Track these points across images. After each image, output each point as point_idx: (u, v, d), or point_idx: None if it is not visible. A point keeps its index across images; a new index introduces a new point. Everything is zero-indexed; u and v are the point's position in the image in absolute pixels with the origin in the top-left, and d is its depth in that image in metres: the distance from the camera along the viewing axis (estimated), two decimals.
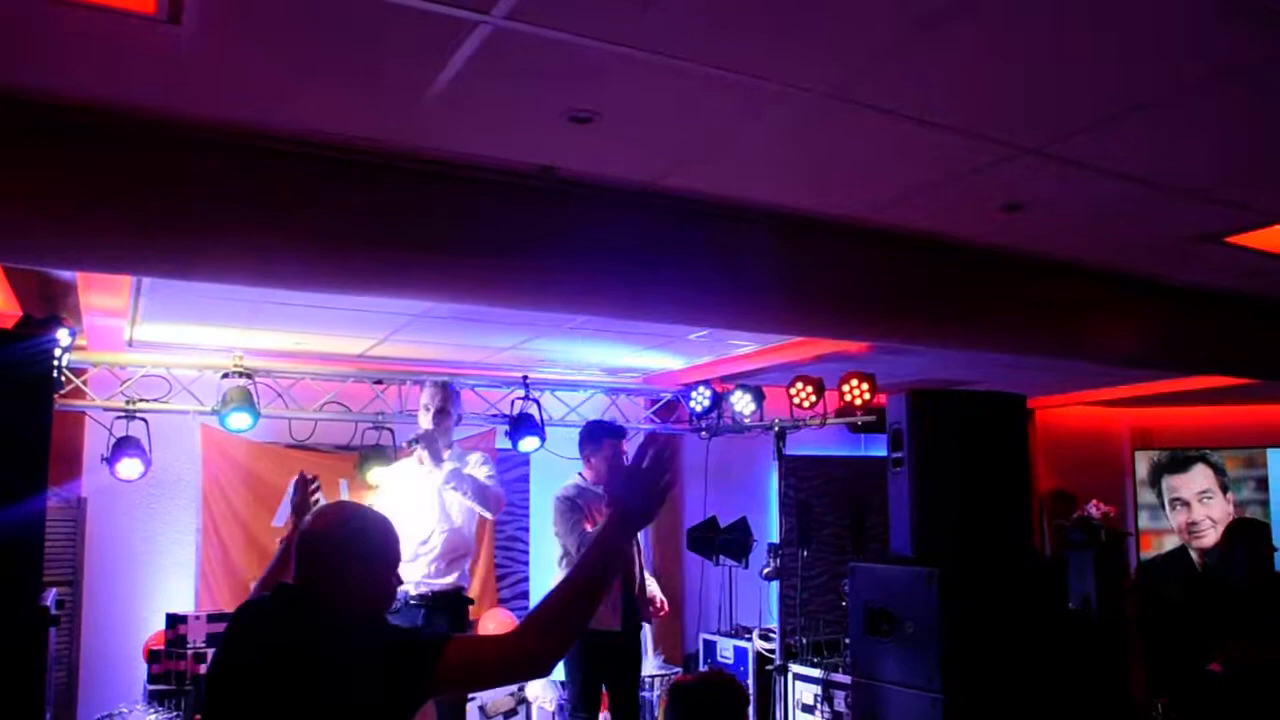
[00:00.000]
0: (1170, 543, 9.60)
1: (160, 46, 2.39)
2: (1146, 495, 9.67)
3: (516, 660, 2.20)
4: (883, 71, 2.61)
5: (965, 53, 2.51)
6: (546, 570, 7.45)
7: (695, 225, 3.66)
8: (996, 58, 2.55)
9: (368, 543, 2.39)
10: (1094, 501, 8.72)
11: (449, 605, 5.11)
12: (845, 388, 6.42)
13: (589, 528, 5.23)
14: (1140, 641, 7.86)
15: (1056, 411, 9.56)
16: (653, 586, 5.93)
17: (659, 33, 2.38)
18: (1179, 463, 9.63)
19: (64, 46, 2.41)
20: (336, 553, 2.34)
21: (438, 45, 2.42)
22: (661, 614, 6.10)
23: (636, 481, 2.22)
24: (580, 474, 5.57)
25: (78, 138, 2.80)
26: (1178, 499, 9.64)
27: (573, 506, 5.30)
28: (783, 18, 2.32)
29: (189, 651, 5.62)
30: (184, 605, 6.11)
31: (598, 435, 5.53)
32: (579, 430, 5.76)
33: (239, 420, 5.88)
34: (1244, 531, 6.34)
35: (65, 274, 4.62)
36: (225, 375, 5.98)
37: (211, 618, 5.78)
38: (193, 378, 6.07)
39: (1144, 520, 9.67)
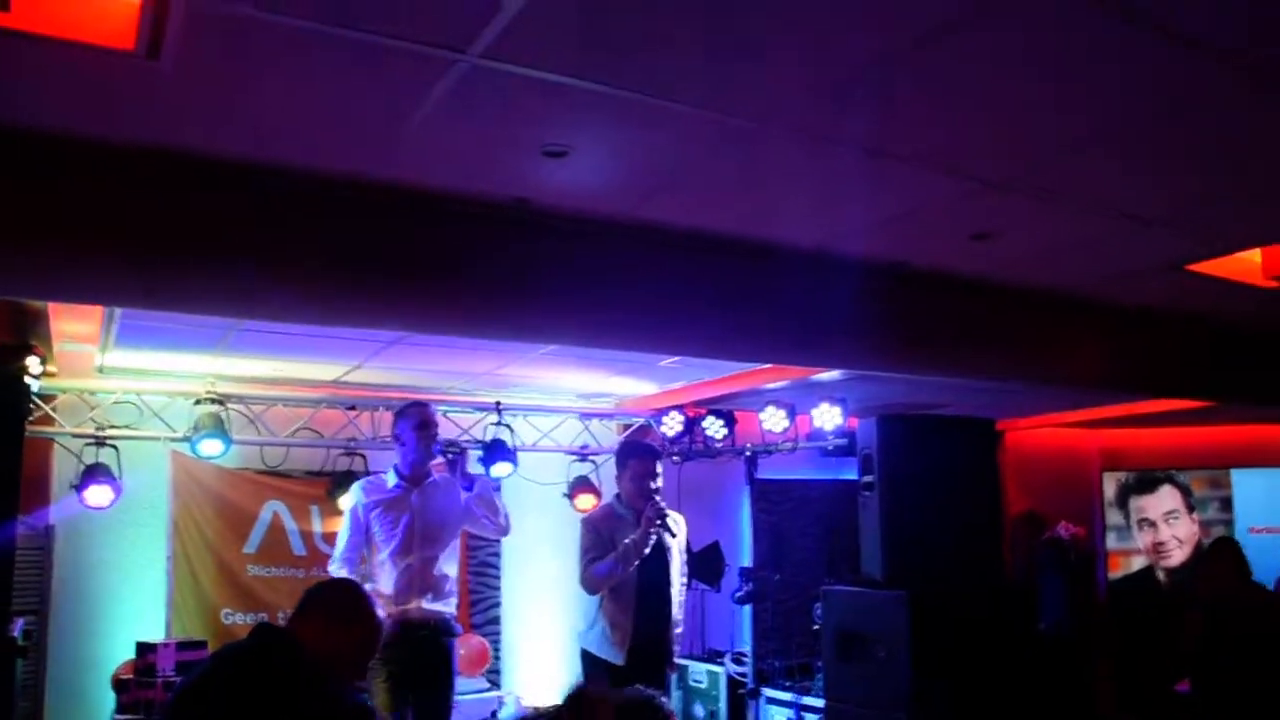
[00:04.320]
0: (1138, 563, 9.70)
1: (140, 81, 2.42)
2: (1114, 516, 9.77)
3: None
4: (849, 106, 2.66)
5: (932, 88, 2.58)
6: (520, 596, 7.45)
7: (665, 255, 3.71)
8: (963, 94, 2.61)
9: (368, 620, 2.81)
10: (1063, 523, 8.82)
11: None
12: (816, 412, 6.48)
13: (598, 561, 5.21)
14: (1109, 661, 7.95)
15: (1026, 433, 9.65)
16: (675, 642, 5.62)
17: (630, 72, 2.43)
18: (1146, 484, 9.74)
19: (45, 81, 2.42)
20: (339, 614, 2.73)
21: (415, 81, 2.46)
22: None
23: None
24: (616, 495, 5.55)
25: (58, 169, 2.82)
26: (1145, 519, 9.74)
27: (594, 532, 5.30)
28: (750, 57, 2.38)
29: (159, 680, 5.57)
30: (154, 634, 6.06)
31: (623, 454, 5.56)
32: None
33: (211, 447, 5.87)
34: (1228, 550, 6.40)
35: (37, 301, 4.60)
36: (197, 401, 5.97)
37: (181, 645, 5.73)
38: (164, 404, 6.05)
39: (1112, 541, 9.76)
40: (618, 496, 5.48)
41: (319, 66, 2.38)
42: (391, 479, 5.09)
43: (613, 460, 5.51)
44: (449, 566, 5.12)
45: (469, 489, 5.14)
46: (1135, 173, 3.24)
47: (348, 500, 5.11)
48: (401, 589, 4.94)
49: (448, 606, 5.10)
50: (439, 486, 5.14)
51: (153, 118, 2.66)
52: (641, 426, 7.75)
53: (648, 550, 5.23)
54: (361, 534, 4.99)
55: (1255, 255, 4.37)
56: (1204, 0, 2.17)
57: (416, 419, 5.08)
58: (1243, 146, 3.04)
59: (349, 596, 2.86)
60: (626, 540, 5.20)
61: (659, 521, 5.23)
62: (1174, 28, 2.28)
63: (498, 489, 5.44)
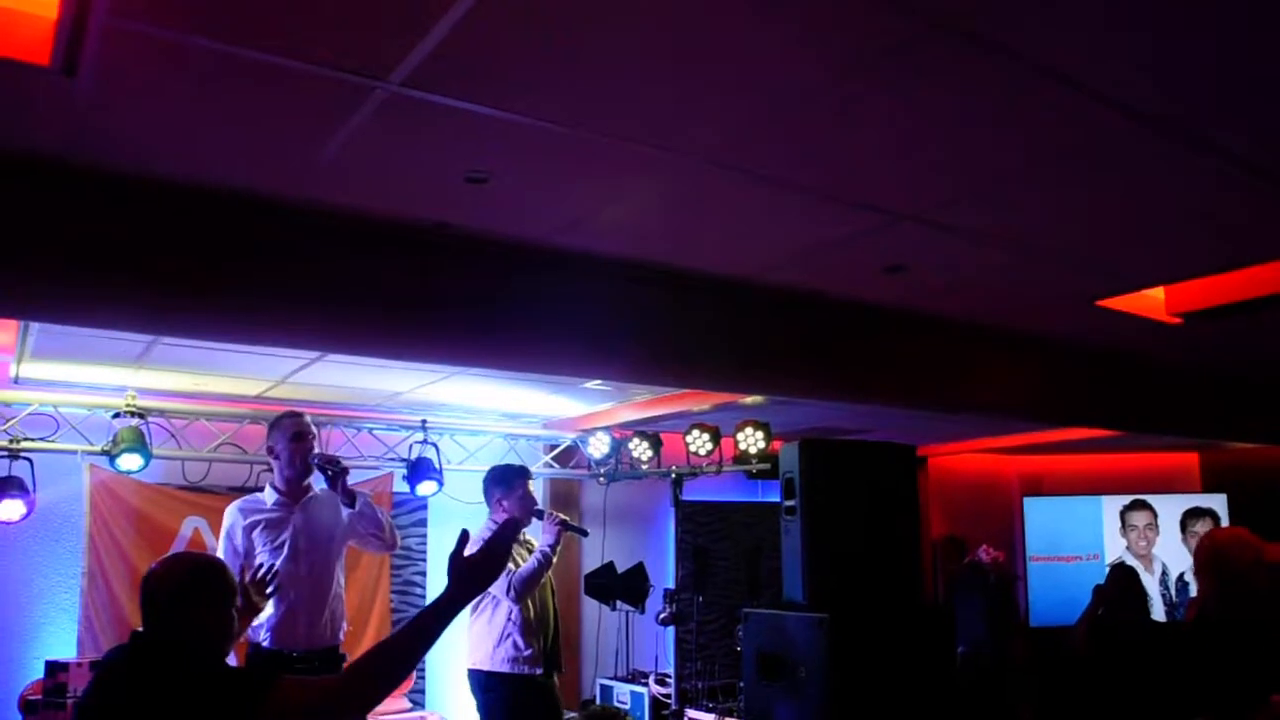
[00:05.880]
0: None
1: (56, 97, 2.41)
2: (1035, 539, 9.94)
3: (343, 705, 2.46)
4: (763, 141, 2.74)
5: (843, 126, 2.65)
6: None
7: (586, 282, 3.76)
8: (874, 130, 2.69)
9: (208, 585, 2.66)
10: (984, 547, 8.97)
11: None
12: (740, 435, 6.56)
13: (511, 567, 5.21)
14: (1031, 682, 8.09)
15: (948, 459, 9.83)
16: None
17: (545, 101, 2.47)
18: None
19: None
20: (180, 596, 2.60)
21: (336, 106, 2.48)
22: None
23: (484, 563, 2.49)
24: (492, 519, 5.52)
25: None
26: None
27: None
28: (663, 89, 2.44)
29: (69, 701, 5.44)
30: (65, 652, 5.93)
31: (509, 477, 5.49)
32: (485, 475, 5.58)
33: (130, 461, 5.76)
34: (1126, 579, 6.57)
35: None
36: (116, 415, 5.87)
37: (95, 665, 5.59)
38: (82, 416, 5.95)
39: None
40: (494, 520, 5.39)
41: (236, 89, 2.39)
42: (270, 496, 4.74)
43: (524, 485, 5.47)
44: (338, 587, 4.85)
45: (350, 506, 4.78)
46: (1041, 213, 3.35)
47: (224, 522, 4.71)
48: (286, 617, 4.60)
49: (338, 633, 4.82)
50: (321, 501, 4.81)
51: (69, 132, 2.64)
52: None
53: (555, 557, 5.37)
54: (239, 558, 4.56)
55: (1159, 293, 4.53)
56: (1114, 58, 2.27)
57: (291, 429, 4.72)
58: (1142, 193, 3.16)
59: (183, 580, 2.66)
60: (543, 546, 5.30)
61: (566, 523, 5.40)
62: (1081, 81, 2.38)
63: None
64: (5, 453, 5.61)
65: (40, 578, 6.13)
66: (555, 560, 5.33)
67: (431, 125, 2.58)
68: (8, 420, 5.74)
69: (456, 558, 2.49)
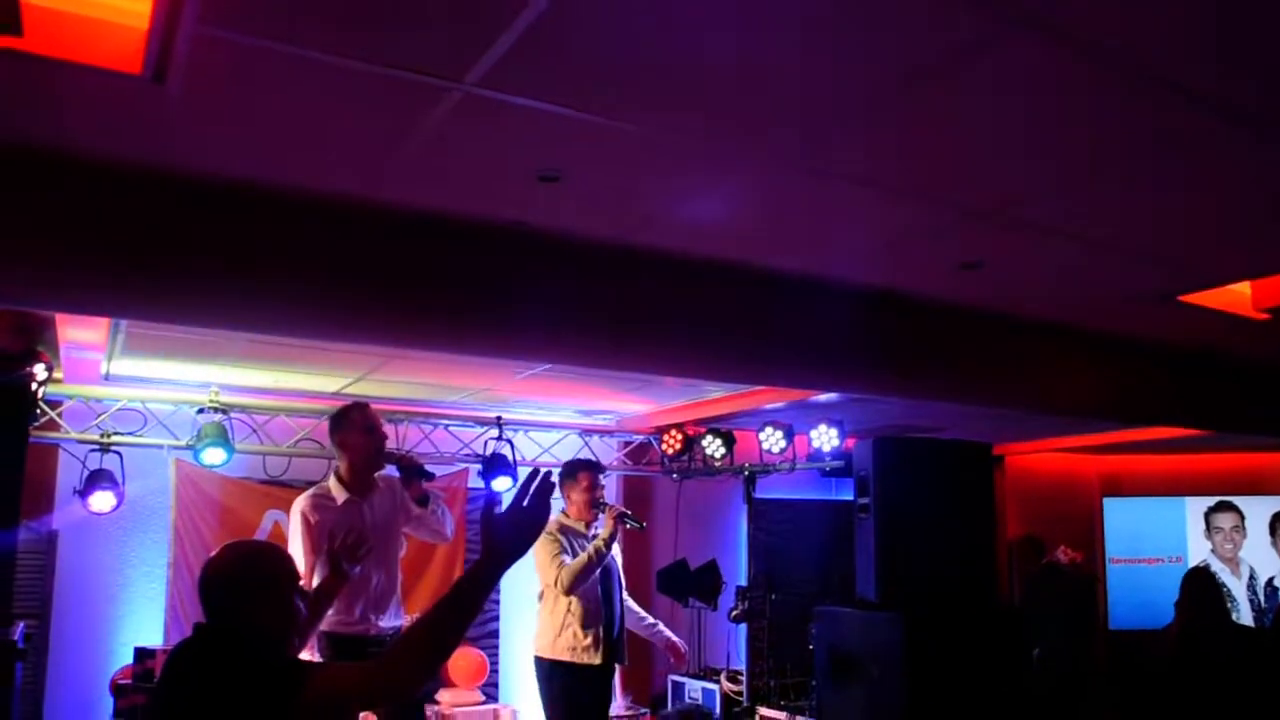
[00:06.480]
0: None
1: (147, 104, 2.49)
2: (1116, 541, 9.75)
3: (381, 687, 2.34)
4: (837, 140, 2.73)
5: (918, 124, 2.64)
6: (517, 609, 7.48)
7: (663, 281, 3.78)
8: (950, 128, 2.67)
9: (258, 573, 2.56)
10: (1062, 547, 8.80)
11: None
12: (814, 433, 6.53)
13: (567, 560, 5.27)
14: (1110, 686, 7.92)
15: (1026, 458, 9.66)
16: (667, 632, 5.95)
17: (618, 100, 2.50)
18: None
19: (56, 101, 2.50)
20: (235, 586, 2.51)
21: (411, 108, 2.53)
22: (680, 661, 6.06)
23: (515, 522, 2.27)
24: (562, 511, 5.60)
25: (66, 183, 2.90)
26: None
27: (552, 540, 5.31)
28: (739, 90, 2.45)
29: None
30: (153, 639, 6.12)
31: (575, 469, 5.59)
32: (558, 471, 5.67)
33: (214, 455, 5.92)
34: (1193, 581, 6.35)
35: (43, 309, 4.67)
36: (201, 410, 6.04)
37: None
38: (168, 412, 6.12)
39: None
40: (563, 512, 5.55)
41: (317, 93, 2.45)
42: (339, 492, 4.64)
43: (588, 477, 5.54)
44: (398, 576, 4.83)
45: (423, 506, 4.75)
46: (1117, 209, 3.29)
47: (294, 515, 4.62)
48: (360, 606, 4.57)
49: (399, 620, 4.76)
50: (383, 492, 4.74)
51: (159, 138, 2.74)
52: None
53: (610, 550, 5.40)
54: (319, 547, 4.30)
55: (1245, 287, 4.42)
56: (1179, 45, 2.23)
57: (363, 423, 4.63)
58: (1222, 186, 3.09)
59: (233, 569, 2.58)
60: (596, 539, 5.34)
61: (623, 516, 5.41)
62: (1151, 71, 2.34)
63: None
64: (97, 447, 5.81)
65: (129, 567, 6.34)
66: (608, 553, 5.35)
67: (505, 124, 2.61)
68: (99, 415, 5.94)
69: (486, 517, 2.30)
